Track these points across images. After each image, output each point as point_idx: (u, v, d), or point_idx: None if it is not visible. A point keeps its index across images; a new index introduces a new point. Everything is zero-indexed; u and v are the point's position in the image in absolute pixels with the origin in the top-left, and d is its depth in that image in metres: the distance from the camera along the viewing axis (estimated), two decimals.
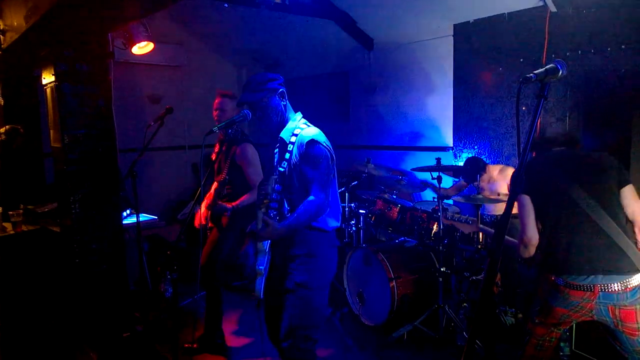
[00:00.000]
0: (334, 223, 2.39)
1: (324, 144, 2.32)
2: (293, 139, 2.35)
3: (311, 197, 2.25)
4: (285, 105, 2.43)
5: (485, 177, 3.96)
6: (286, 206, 2.37)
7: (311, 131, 2.35)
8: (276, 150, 2.45)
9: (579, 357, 2.97)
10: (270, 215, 2.33)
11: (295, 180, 2.32)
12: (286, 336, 2.27)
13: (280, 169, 2.36)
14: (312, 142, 2.28)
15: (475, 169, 3.90)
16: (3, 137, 4.78)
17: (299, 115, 2.47)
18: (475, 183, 3.94)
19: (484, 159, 4.14)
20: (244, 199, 3.32)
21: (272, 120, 2.41)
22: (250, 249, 2.45)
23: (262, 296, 2.31)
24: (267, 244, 2.35)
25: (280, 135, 2.40)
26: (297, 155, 2.31)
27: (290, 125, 2.41)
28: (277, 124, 2.42)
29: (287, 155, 2.34)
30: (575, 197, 2.18)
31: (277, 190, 2.35)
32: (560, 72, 1.52)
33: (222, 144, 3.50)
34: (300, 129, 2.37)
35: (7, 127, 4.78)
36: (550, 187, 2.27)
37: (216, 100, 3.43)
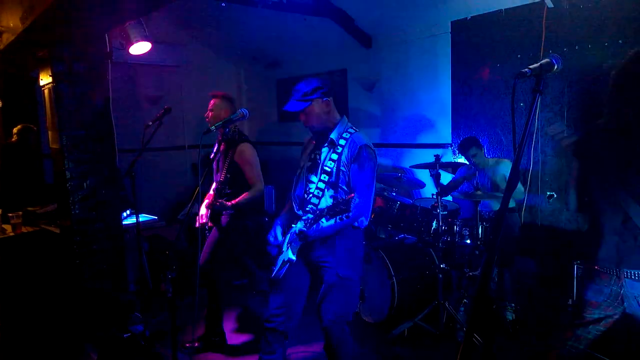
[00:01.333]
0: (365, 222, 2.53)
1: (373, 150, 2.50)
2: (342, 141, 2.49)
3: (356, 200, 2.39)
4: (329, 112, 2.55)
5: (480, 160, 3.99)
6: (327, 203, 2.48)
7: (362, 136, 2.51)
8: (324, 149, 2.54)
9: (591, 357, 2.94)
10: (309, 210, 2.50)
11: (342, 180, 2.48)
12: (333, 321, 2.51)
13: (327, 168, 2.48)
14: (364, 148, 2.45)
15: (470, 142, 3.99)
16: (15, 137, 4.78)
17: (344, 118, 2.60)
18: (471, 169, 3.98)
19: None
20: (244, 197, 3.33)
21: (314, 125, 2.54)
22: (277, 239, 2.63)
23: (280, 277, 2.54)
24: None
25: (330, 137, 2.51)
26: (348, 158, 2.46)
27: (339, 127, 2.53)
28: (319, 126, 2.55)
29: (335, 157, 2.47)
30: (614, 187, 2.05)
31: (320, 187, 2.49)
32: (556, 67, 1.52)
33: (220, 144, 3.51)
34: (349, 132, 2.51)
35: (19, 126, 4.79)
36: (593, 173, 2.17)
37: (210, 102, 3.45)
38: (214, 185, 3.50)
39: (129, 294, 3.70)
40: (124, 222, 3.86)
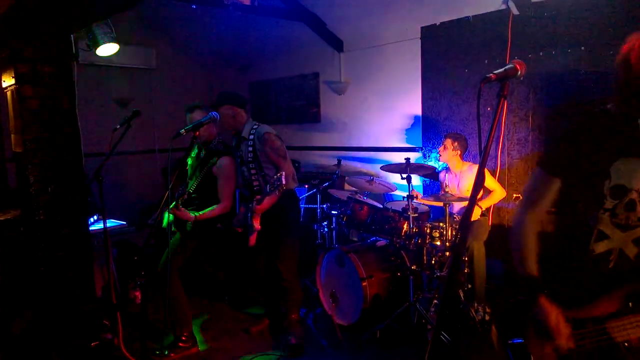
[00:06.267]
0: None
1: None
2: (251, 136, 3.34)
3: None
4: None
5: (448, 158, 4.12)
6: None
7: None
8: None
9: None
10: (256, 190, 3.35)
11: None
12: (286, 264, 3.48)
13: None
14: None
15: (448, 135, 4.14)
16: None
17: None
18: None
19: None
20: (212, 211, 3.38)
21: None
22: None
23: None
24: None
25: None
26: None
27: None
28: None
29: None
30: None
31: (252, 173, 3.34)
32: (519, 72, 1.56)
33: (200, 150, 3.48)
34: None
35: None
36: None
37: (191, 116, 3.36)
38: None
39: (97, 301, 3.61)
40: (92, 228, 3.76)
